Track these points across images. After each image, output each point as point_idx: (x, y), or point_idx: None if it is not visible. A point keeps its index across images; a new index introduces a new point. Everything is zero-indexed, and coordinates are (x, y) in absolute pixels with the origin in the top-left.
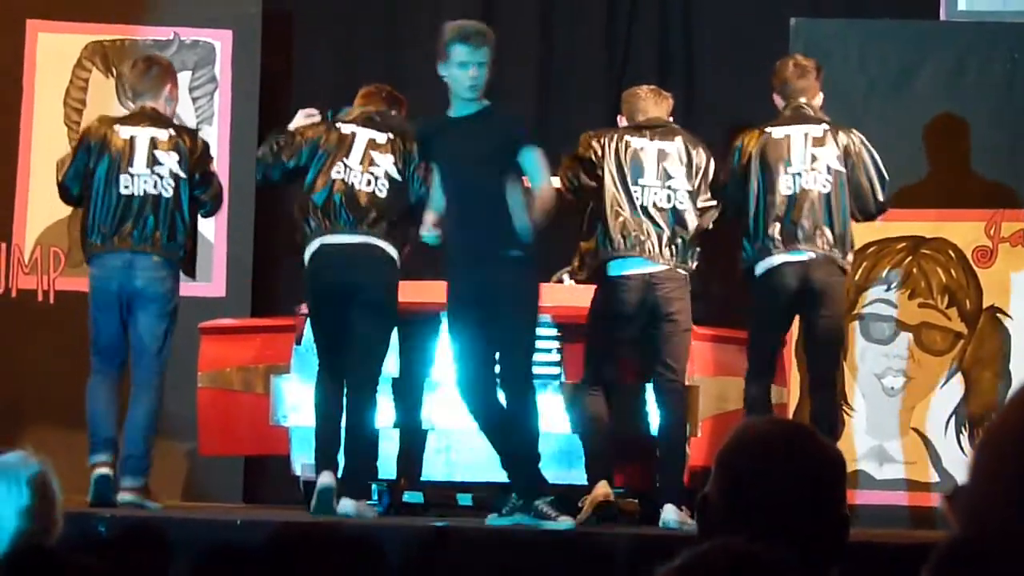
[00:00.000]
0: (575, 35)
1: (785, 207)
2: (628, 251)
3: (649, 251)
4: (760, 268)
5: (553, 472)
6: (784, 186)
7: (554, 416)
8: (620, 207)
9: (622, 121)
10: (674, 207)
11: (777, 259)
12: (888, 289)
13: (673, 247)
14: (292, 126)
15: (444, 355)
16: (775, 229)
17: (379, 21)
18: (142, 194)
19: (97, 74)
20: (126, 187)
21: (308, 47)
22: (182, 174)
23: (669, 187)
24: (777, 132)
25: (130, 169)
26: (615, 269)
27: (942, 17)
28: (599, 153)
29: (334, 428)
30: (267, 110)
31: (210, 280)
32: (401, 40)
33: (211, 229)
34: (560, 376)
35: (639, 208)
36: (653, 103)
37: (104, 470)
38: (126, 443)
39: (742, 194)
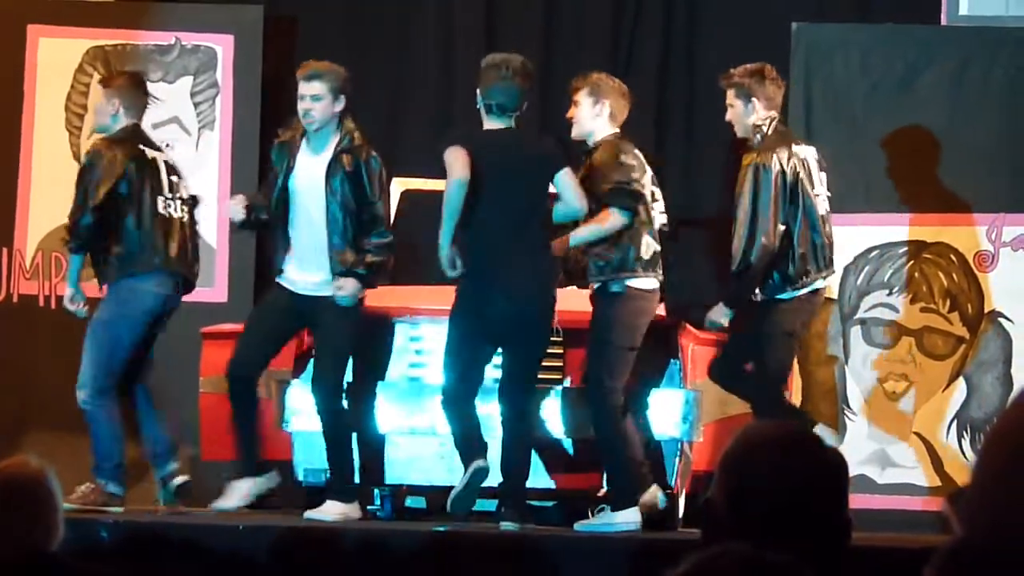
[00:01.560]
0: (579, 37)
1: (821, 228)
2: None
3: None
4: (801, 291)
5: (565, 477)
6: (821, 207)
7: (560, 421)
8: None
9: (601, 108)
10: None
11: (819, 282)
12: (890, 293)
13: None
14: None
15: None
16: (813, 251)
17: (382, 26)
18: (168, 216)
19: (98, 79)
20: (164, 208)
21: (310, 52)
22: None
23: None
24: (800, 152)
25: (166, 192)
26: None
27: (944, 22)
28: None
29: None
30: (268, 115)
31: (212, 285)
32: (404, 46)
33: (213, 235)
34: (564, 381)
35: None
36: (625, 103)
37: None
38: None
39: (785, 215)
